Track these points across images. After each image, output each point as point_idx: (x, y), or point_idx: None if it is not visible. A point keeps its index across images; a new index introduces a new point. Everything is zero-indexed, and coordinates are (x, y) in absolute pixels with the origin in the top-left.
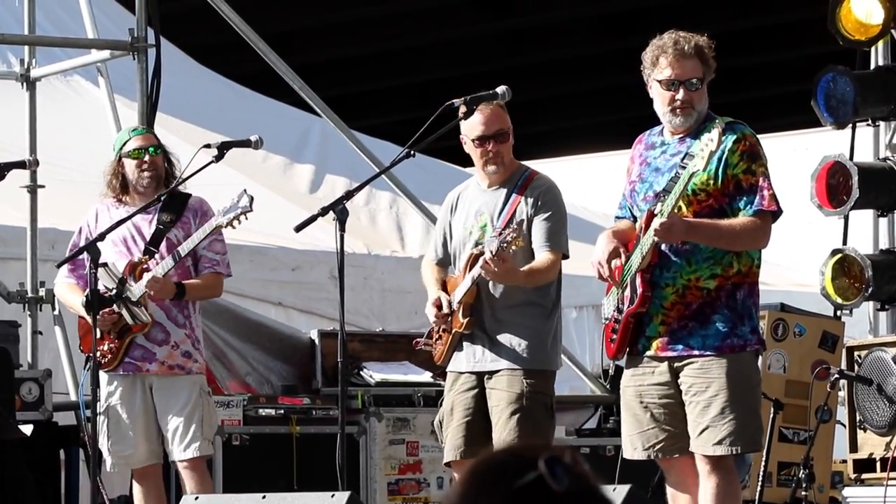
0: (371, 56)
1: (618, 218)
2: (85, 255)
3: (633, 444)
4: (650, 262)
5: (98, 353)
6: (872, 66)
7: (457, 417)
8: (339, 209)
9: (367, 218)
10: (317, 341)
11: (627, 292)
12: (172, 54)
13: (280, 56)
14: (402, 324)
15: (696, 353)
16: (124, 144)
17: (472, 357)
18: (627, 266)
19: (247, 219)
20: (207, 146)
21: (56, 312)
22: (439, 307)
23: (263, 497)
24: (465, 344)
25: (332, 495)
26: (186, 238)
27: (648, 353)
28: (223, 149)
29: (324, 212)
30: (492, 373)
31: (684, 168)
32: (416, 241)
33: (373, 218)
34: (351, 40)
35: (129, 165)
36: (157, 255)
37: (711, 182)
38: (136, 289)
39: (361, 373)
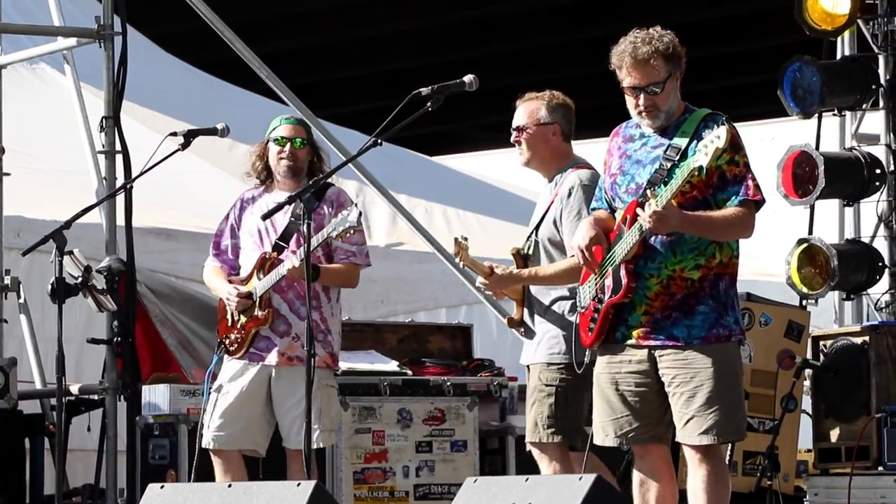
0: (338, 44)
1: (593, 209)
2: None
3: (605, 430)
4: (636, 253)
5: (227, 341)
6: (839, 56)
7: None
8: (306, 198)
9: None
10: None
11: (609, 282)
12: (139, 42)
13: (247, 44)
14: (369, 313)
15: (680, 343)
16: (273, 130)
17: None
18: (610, 255)
19: (352, 234)
20: (174, 134)
21: (21, 301)
22: None
23: (229, 486)
24: None
25: (298, 484)
26: (319, 229)
27: (629, 341)
28: (189, 137)
29: (290, 200)
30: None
31: (669, 160)
32: (383, 229)
33: None
34: (318, 29)
35: (272, 151)
36: (287, 251)
37: (696, 174)
38: (262, 283)
39: None
